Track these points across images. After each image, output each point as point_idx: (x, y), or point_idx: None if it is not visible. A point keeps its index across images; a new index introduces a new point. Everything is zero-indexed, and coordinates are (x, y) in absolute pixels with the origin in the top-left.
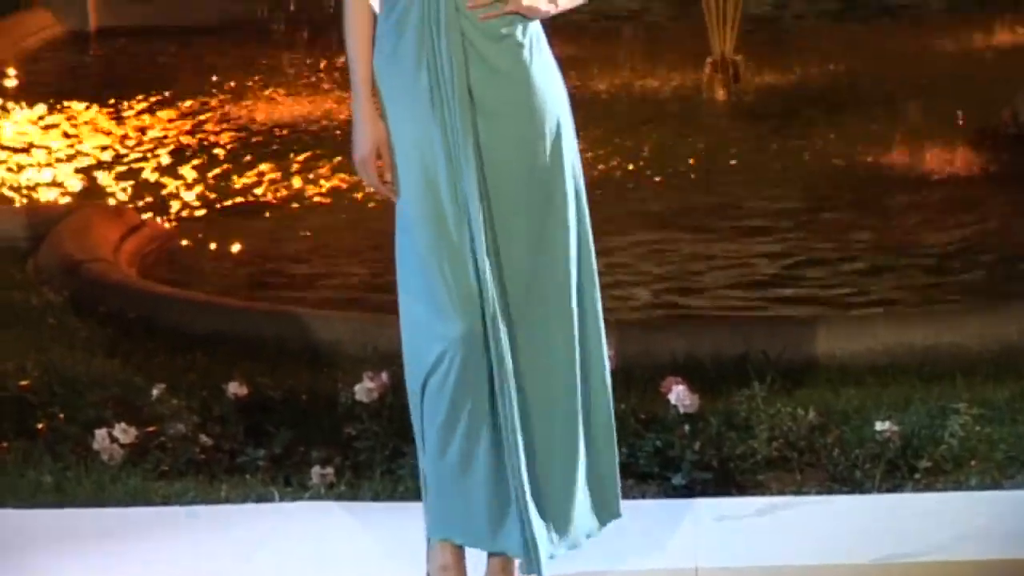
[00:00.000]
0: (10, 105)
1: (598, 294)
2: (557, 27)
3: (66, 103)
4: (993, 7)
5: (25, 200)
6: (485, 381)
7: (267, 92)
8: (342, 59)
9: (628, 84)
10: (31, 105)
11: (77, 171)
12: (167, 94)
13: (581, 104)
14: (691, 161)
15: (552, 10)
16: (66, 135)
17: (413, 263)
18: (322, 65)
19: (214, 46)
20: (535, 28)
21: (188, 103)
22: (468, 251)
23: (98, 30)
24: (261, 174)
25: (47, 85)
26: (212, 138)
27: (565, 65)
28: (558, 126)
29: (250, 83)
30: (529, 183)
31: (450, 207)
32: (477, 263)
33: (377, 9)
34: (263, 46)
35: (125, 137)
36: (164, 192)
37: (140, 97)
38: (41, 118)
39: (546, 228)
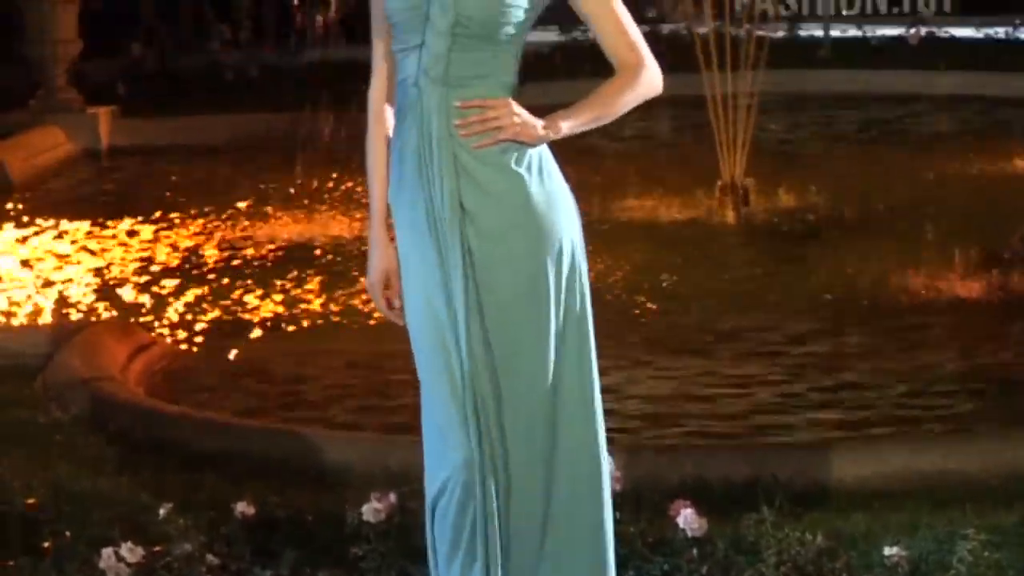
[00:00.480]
0: (24, 221)
1: (601, 419)
2: (566, 147)
3: (78, 220)
4: (1005, 134)
5: (34, 317)
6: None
7: (279, 211)
8: (353, 181)
9: (638, 206)
10: (44, 221)
11: (87, 288)
12: (179, 211)
13: (588, 226)
14: (700, 284)
15: (552, 135)
16: (77, 252)
17: (424, 387)
18: (331, 185)
19: (226, 165)
20: (538, 151)
21: (200, 220)
22: (462, 380)
23: (110, 148)
24: (272, 292)
25: (59, 202)
26: (224, 255)
27: (572, 185)
28: (561, 248)
29: (262, 201)
30: (529, 306)
31: (449, 333)
32: (475, 392)
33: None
34: (275, 166)
35: (135, 254)
36: (174, 310)
37: (151, 214)
38: (54, 235)
39: (548, 354)
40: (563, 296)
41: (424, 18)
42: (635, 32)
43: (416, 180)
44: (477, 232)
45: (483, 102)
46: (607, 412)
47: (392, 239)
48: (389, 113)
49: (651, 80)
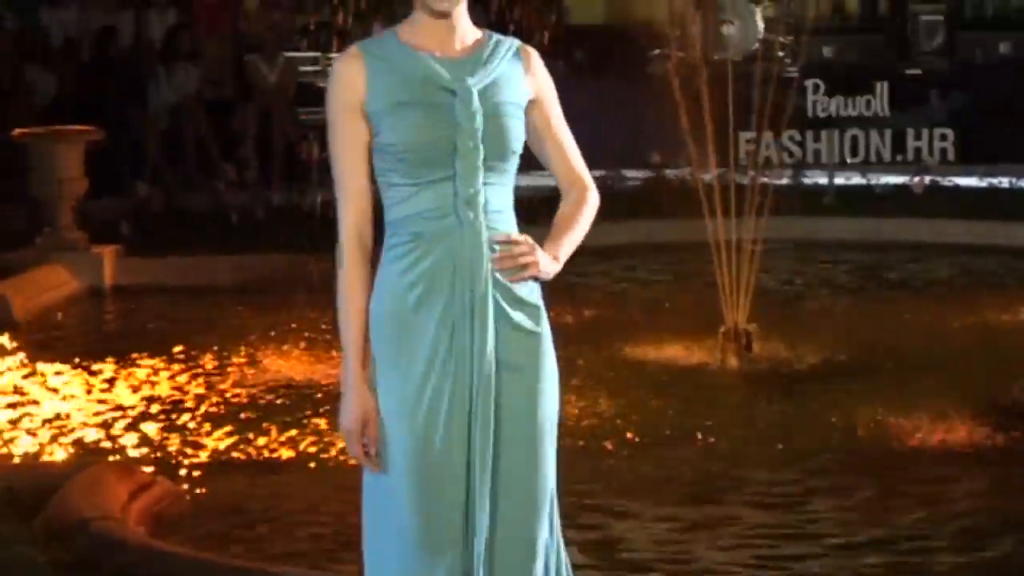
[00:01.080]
0: (26, 359)
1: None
2: (571, 289)
3: (80, 358)
4: (1011, 283)
5: (36, 455)
6: None
7: (284, 351)
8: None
9: (640, 351)
10: (46, 359)
11: (89, 426)
12: (182, 351)
13: (591, 369)
14: (703, 430)
15: (558, 269)
16: (79, 390)
17: (389, 528)
18: (330, 323)
19: (230, 306)
20: (537, 284)
21: (203, 360)
22: (461, 507)
23: (114, 287)
24: (277, 431)
25: (62, 341)
26: (228, 395)
27: (576, 329)
28: (554, 377)
29: (266, 341)
30: (537, 433)
31: (446, 466)
32: (469, 517)
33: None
34: (280, 307)
35: (138, 393)
36: (176, 449)
37: (154, 353)
38: (57, 373)
39: (541, 477)
40: (555, 416)
41: (451, 151)
42: (579, 156)
43: (443, 310)
44: (505, 365)
45: (511, 237)
46: (612, 557)
47: (366, 380)
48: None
49: (597, 198)
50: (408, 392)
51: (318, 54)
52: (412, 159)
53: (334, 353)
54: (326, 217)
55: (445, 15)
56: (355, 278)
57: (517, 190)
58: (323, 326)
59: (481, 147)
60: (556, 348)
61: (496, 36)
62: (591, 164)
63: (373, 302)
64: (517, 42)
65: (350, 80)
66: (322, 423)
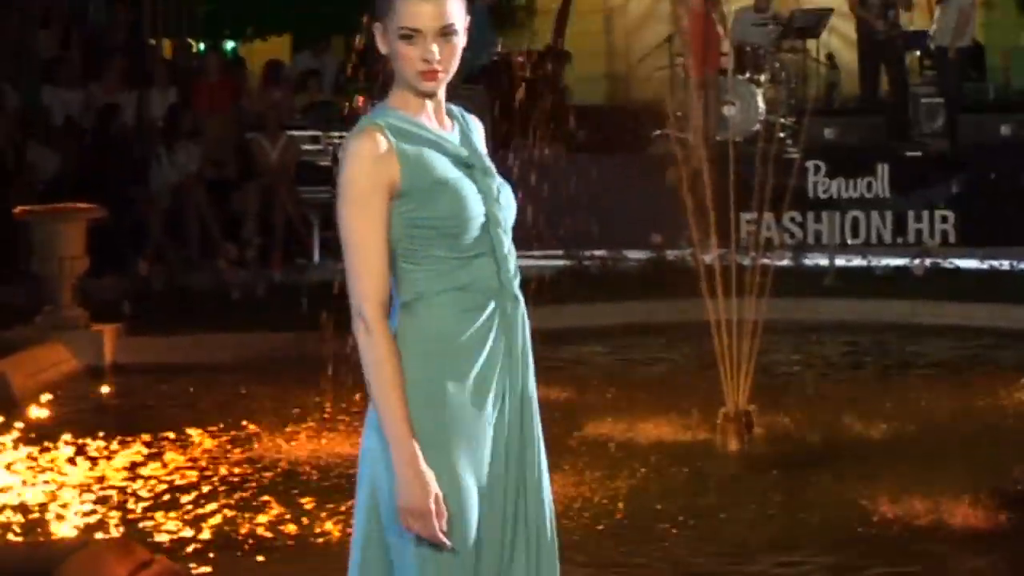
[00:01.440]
0: (25, 437)
1: None
2: (571, 369)
3: (79, 437)
4: (1010, 366)
5: (35, 534)
6: None
7: (282, 429)
8: (356, 396)
9: (639, 431)
10: (45, 439)
11: (88, 505)
12: (182, 429)
13: (591, 450)
14: (702, 512)
15: None
16: (77, 468)
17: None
18: (339, 405)
19: (231, 384)
20: None
21: (203, 439)
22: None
23: (114, 366)
24: (280, 512)
25: (61, 419)
26: (229, 473)
27: (575, 409)
28: None
29: (267, 420)
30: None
31: (499, 517)
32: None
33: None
34: (281, 385)
35: (137, 471)
36: (176, 528)
37: (154, 432)
38: (55, 452)
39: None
40: None
41: (486, 223)
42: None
43: (494, 375)
44: (528, 404)
45: None
46: None
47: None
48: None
49: None
50: (459, 457)
51: (319, 133)
52: (460, 233)
53: (334, 432)
54: (327, 296)
55: (432, 94)
56: (392, 352)
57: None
58: (325, 405)
59: (505, 216)
60: (549, 428)
61: (454, 106)
62: (593, 244)
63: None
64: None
65: (380, 158)
66: (322, 503)
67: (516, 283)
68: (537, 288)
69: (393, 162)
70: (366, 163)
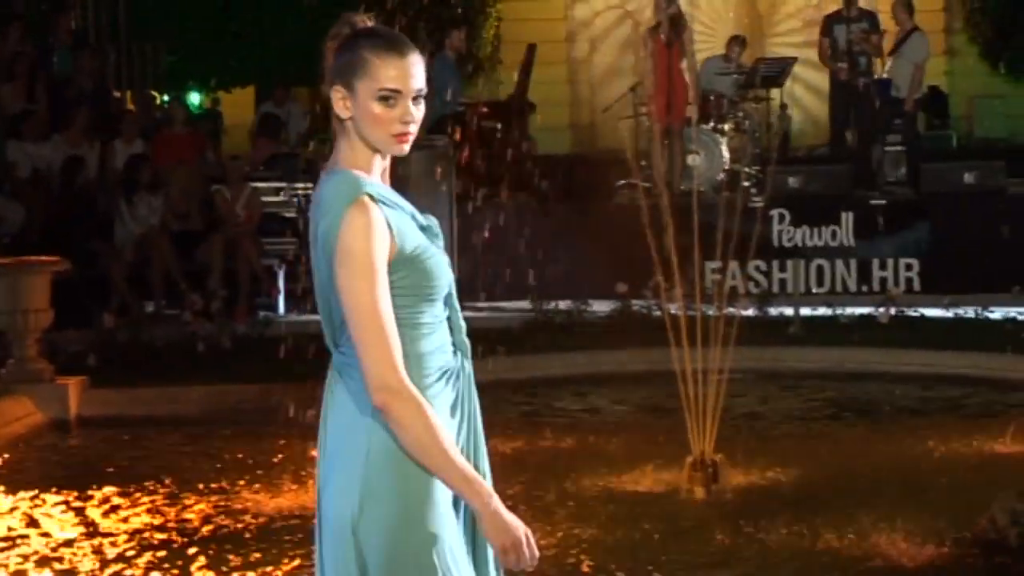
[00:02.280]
0: None
1: None
2: (536, 418)
3: (42, 491)
4: (975, 413)
5: None
6: None
7: (249, 481)
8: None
9: (604, 481)
10: (8, 493)
11: (50, 562)
12: (147, 484)
13: (557, 499)
14: (669, 562)
15: None
16: (41, 523)
17: None
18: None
19: (197, 437)
20: None
21: (170, 493)
22: None
23: (78, 419)
24: (237, 564)
25: (26, 473)
26: (195, 529)
27: (540, 459)
28: None
29: (234, 473)
30: None
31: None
32: None
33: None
34: (248, 438)
35: (101, 526)
36: None
37: (118, 486)
38: (19, 506)
39: None
40: None
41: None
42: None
43: (460, 431)
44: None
45: None
46: None
47: None
48: None
49: None
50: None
51: (283, 184)
52: (437, 298)
53: (299, 484)
54: (292, 347)
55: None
56: (429, 408)
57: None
58: (291, 457)
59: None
60: (518, 477)
61: None
62: (559, 294)
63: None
64: None
65: (382, 229)
66: (286, 555)
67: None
68: (503, 338)
69: (388, 233)
70: (372, 235)
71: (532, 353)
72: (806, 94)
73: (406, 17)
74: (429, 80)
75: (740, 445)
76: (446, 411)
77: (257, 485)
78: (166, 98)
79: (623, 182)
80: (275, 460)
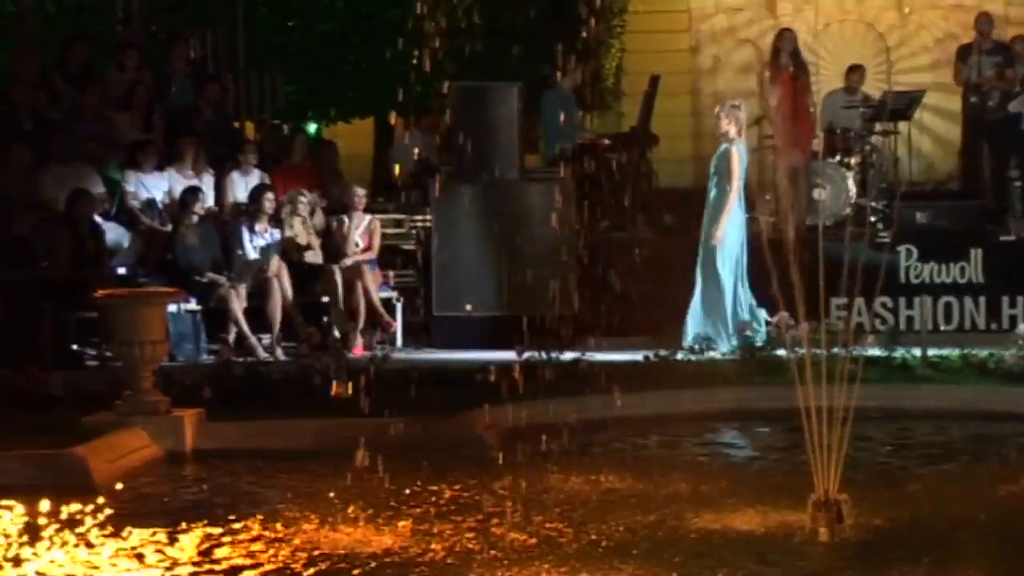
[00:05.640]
0: (104, 526)
1: None
2: (659, 456)
3: (157, 524)
4: None
5: None
6: None
7: (365, 517)
8: (436, 486)
9: (726, 519)
10: (124, 526)
11: None
12: (261, 517)
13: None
14: None
15: None
16: (154, 555)
17: None
18: (421, 493)
19: (310, 470)
20: None
21: (282, 526)
22: None
23: (194, 451)
24: None
25: (140, 505)
26: (304, 563)
27: (662, 497)
28: None
29: (350, 508)
30: None
31: None
32: None
33: None
34: (363, 472)
35: (215, 560)
36: None
37: (232, 519)
38: (135, 539)
39: None
40: None
41: None
42: None
43: None
44: None
45: None
46: None
47: None
48: None
49: None
50: None
51: (402, 216)
52: None
53: (416, 520)
54: (409, 381)
55: None
56: None
57: None
58: (405, 492)
59: None
60: (637, 515)
61: None
62: (679, 329)
63: None
64: None
65: None
66: None
67: None
68: (623, 373)
69: None
70: None
71: (654, 390)
72: (936, 125)
73: (522, 48)
74: (538, 112)
75: (865, 485)
76: None
77: (368, 521)
78: (286, 128)
79: (747, 216)
80: (387, 496)
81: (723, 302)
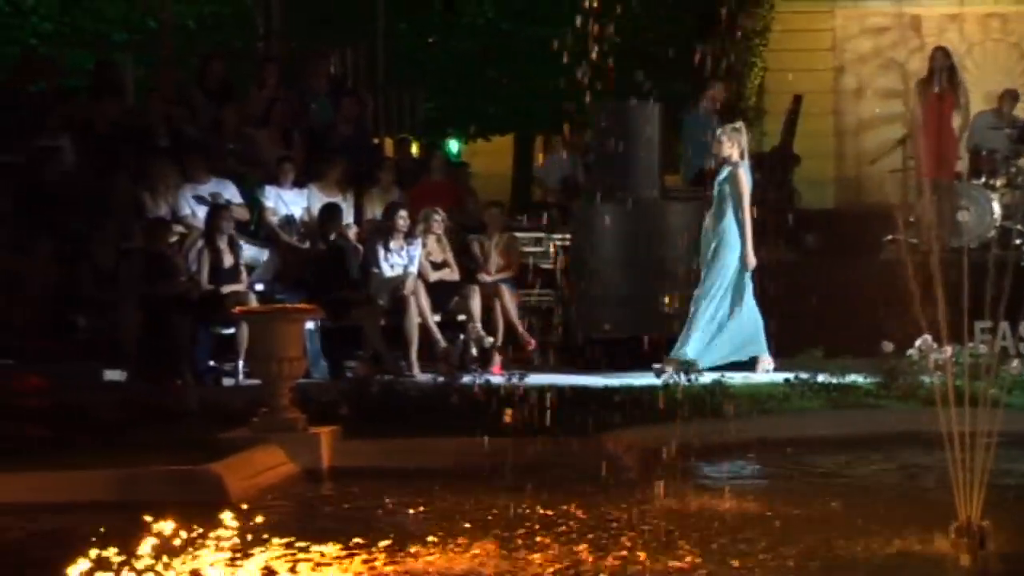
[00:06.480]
0: (240, 543)
1: None
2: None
3: (295, 542)
4: None
5: None
6: None
7: (509, 540)
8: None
9: (866, 544)
10: (258, 543)
11: None
12: (397, 537)
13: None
14: None
15: None
16: (288, 573)
17: None
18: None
19: (450, 490)
20: None
21: (419, 547)
22: None
23: (331, 469)
24: None
25: (277, 522)
26: None
27: (801, 521)
28: None
29: (486, 530)
30: None
31: None
32: None
33: None
34: (503, 493)
35: None
36: None
37: (368, 539)
38: (270, 557)
39: None
40: None
41: None
42: None
43: None
44: None
45: None
46: None
47: None
48: None
49: None
50: None
51: (542, 235)
52: None
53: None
54: (547, 402)
55: None
56: None
57: None
58: (541, 512)
59: None
60: (775, 538)
61: None
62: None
63: None
64: None
65: None
66: None
67: None
68: (765, 397)
69: None
70: None
71: (790, 412)
72: None
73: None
74: (680, 131)
75: (1009, 511)
76: None
77: (504, 542)
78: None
79: (889, 237)
80: (523, 517)
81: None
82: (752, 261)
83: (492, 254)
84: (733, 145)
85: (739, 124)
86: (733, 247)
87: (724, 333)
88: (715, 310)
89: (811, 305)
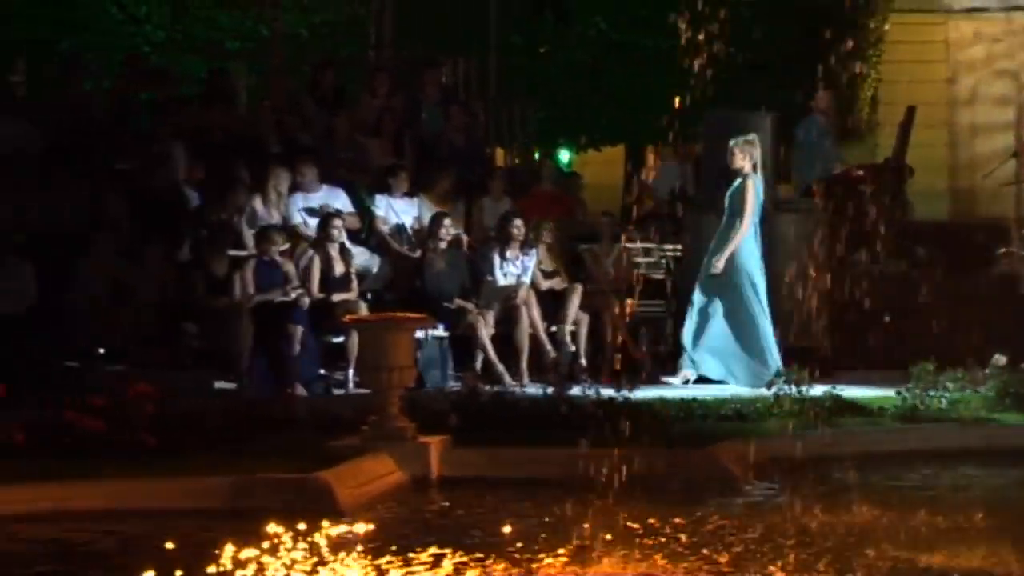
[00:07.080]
0: (350, 552)
1: None
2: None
3: (404, 551)
4: None
5: None
6: None
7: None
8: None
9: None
10: (368, 552)
11: None
12: (502, 547)
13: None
14: None
15: None
16: None
17: None
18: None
19: (559, 501)
20: None
21: (531, 558)
22: None
23: (440, 479)
24: None
25: (385, 532)
26: None
27: (905, 535)
28: None
29: (593, 540)
30: None
31: None
32: None
33: None
34: (608, 502)
35: None
36: None
37: (478, 550)
38: (380, 567)
39: None
40: None
41: None
42: None
43: None
44: None
45: None
46: None
47: None
48: None
49: None
50: None
51: (652, 245)
52: None
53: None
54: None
55: None
56: None
57: None
58: (649, 523)
59: None
60: (877, 550)
61: None
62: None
63: None
64: None
65: None
66: None
67: None
68: (877, 409)
69: None
70: None
71: (905, 424)
72: None
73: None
74: (792, 142)
75: None
76: None
77: (612, 554)
78: (536, 155)
79: (1003, 250)
80: (632, 528)
81: (757, 333)
82: (720, 266)
83: (603, 265)
84: (745, 157)
85: (752, 136)
86: (739, 267)
87: (728, 351)
88: (729, 327)
89: (924, 318)
